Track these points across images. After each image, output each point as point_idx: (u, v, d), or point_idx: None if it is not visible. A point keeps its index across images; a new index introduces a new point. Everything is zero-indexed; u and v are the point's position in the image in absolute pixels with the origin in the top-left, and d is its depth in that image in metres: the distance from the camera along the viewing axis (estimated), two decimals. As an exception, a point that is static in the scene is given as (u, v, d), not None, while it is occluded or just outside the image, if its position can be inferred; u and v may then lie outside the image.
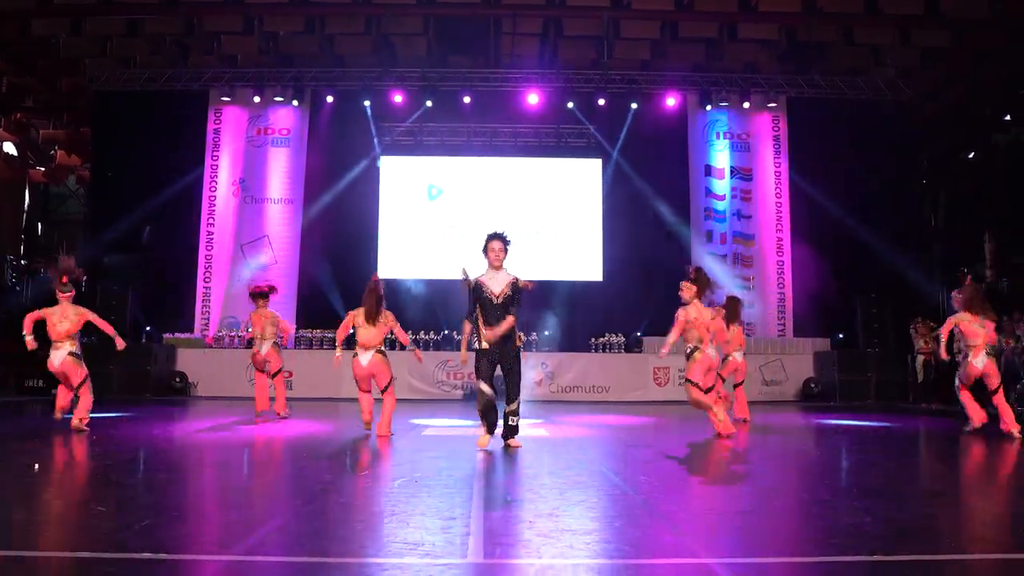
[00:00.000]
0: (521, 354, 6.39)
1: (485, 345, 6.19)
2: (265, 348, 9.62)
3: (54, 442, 7.06)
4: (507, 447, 6.26)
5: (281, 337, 10.07)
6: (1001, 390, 7.67)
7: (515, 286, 6.19)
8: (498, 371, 6.29)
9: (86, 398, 7.43)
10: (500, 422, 6.37)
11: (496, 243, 6.21)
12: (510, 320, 6.18)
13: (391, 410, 7.31)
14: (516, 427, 6.36)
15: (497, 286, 6.19)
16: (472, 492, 4.15)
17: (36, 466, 5.11)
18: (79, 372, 7.45)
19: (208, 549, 2.93)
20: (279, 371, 9.71)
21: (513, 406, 6.28)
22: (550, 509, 3.82)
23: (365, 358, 7.30)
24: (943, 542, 3.16)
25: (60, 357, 7.44)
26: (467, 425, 8.37)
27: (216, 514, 3.79)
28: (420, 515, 3.56)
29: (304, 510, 3.75)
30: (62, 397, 7.74)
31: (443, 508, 3.75)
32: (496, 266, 6.23)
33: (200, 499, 4.25)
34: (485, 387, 6.19)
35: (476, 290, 6.21)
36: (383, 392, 7.40)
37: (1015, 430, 7.50)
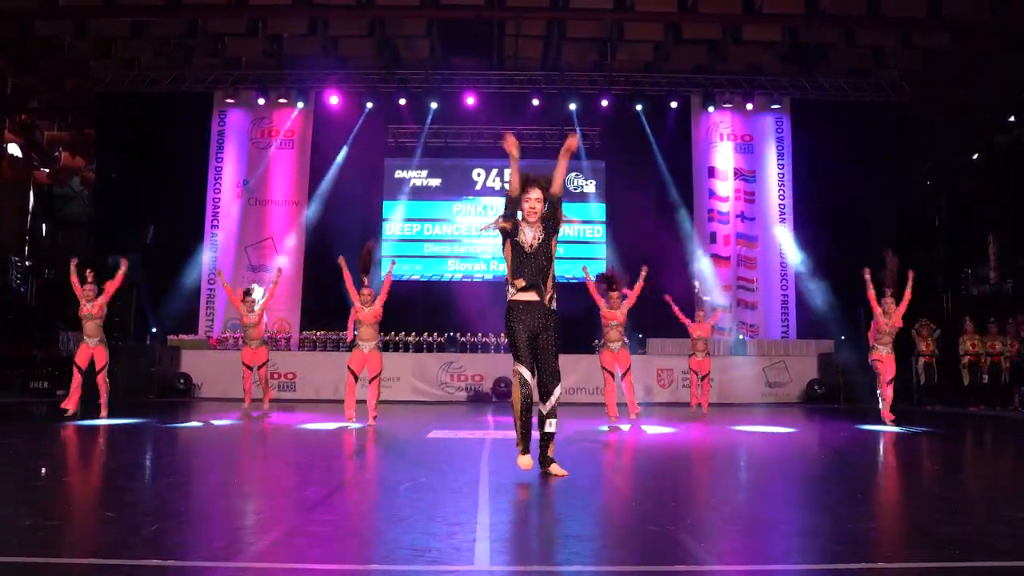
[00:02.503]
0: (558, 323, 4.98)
1: (518, 294, 4.89)
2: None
3: (61, 445, 7.09)
4: (546, 474, 4.81)
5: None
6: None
7: (548, 224, 4.97)
8: None
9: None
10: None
11: (535, 191, 4.96)
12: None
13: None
14: (550, 439, 4.88)
15: (530, 234, 4.96)
16: (478, 496, 4.16)
17: (43, 470, 5.13)
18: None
19: (216, 555, 2.95)
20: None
21: (550, 404, 4.83)
22: (555, 515, 3.83)
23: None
24: (947, 549, 3.16)
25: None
26: (472, 428, 8.38)
27: (223, 519, 3.80)
28: (426, 520, 3.57)
29: (310, 515, 3.76)
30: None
31: (449, 513, 3.76)
32: (531, 221, 4.98)
33: (207, 504, 4.27)
34: (525, 372, 4.80)
35: (513, 230, 4.96)
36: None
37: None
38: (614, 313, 9.37)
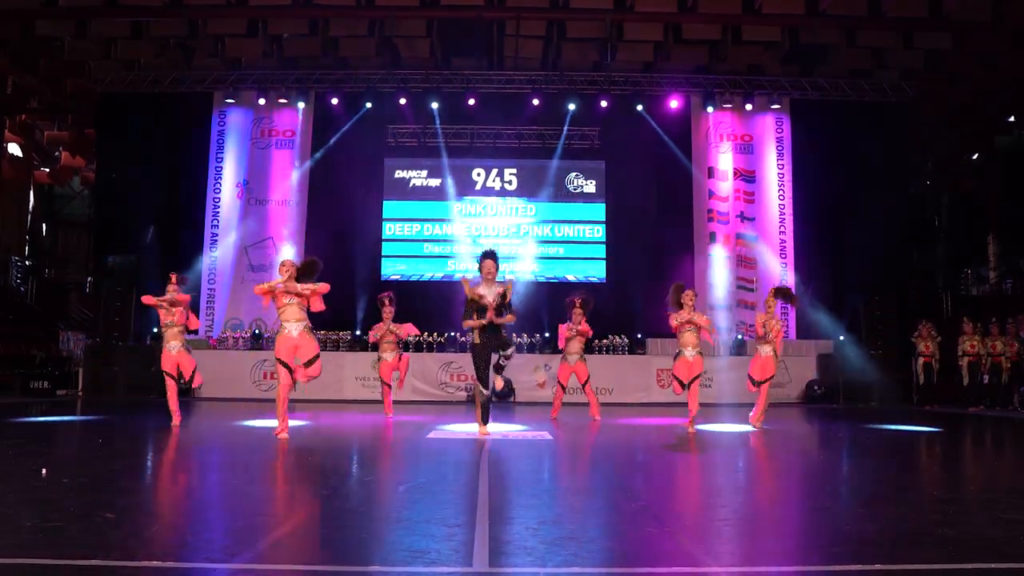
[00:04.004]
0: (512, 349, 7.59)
1: (477, 340, 7.37)
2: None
3: (60, 446, 7.10)
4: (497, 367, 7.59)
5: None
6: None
7: (504, 295, 7.31)
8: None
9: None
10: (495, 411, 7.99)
11: (489, 262, 7.31)
12: (509, 318, 7.45)
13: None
14: (504, 366, 7.59)
15: (491, 296, 7.32)
16: (477, 498, 4.17)
17: (44, 471, 5.14)
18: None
19: (215, 557, 2.96)
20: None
21: (508, 351, 7.46)
22: (554, 516, 3.84)
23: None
24: (947, 550, 3.17)
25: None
26: (471, 429, 8.38)
27: (223, 521, 3.81)
28: (425, 522, 3.58)
29: (309, 517, 3.78)
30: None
31: (448, 515, 3.77)
32: (490, 280, 7.31)
33: (207, 505, 4.28)
34: (483, 388, 7.43)
35: (475, 301, 7.33)
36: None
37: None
38: (574, 330, 10.07)
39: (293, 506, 4.18)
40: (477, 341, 7.34)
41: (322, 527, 3.53)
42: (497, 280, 7.43)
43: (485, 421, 7.55)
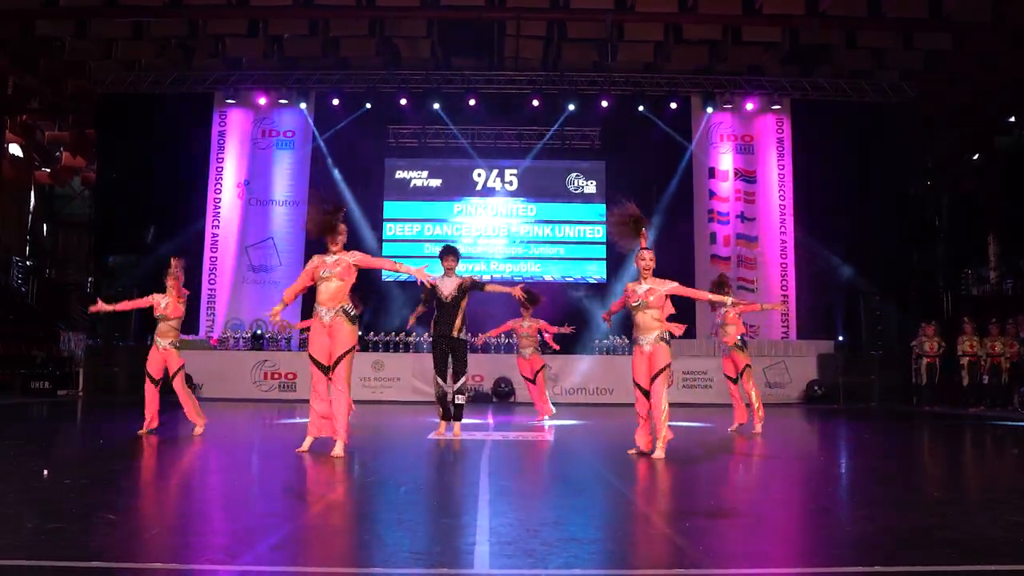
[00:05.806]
0: (467, 345, 7.65)
1: (437, 333, 7.46)
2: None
3: (61, 446, 7.10)
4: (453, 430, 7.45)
5: None
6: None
7: (462, 287, 7.41)
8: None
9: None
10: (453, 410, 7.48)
11: (450, 257, 7.46)
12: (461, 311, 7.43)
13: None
14: (461, 408, 7.46)
15: (447, 289, 7.42)
16: (477, 499, 4.17)
17: (45, 471, 5.14)
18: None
19: (217, 558, 2.96)
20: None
21: (458, 385, 7.41)
22: (555, 517, 3.84)
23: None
24: (947, 552, 3.17)
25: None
26: (471, 429, 8.38)
27: (223, 522, 3.81)
28: (426, 523, 3.58)
29: (311, 518, 3.78)
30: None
31: (449, 516, 3.78)
32: (449, 273, 7.45)
33: (207, 507, 4.28)
34: (440, 379, 7.43)
35: (431, 292, 7.42)
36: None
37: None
38: (524, 326, 10.15)
39: (294, 507, 4.18)
40: (434, 333, 7.47)
41: (325, 529, 3.53)
42: (456, 274, 7.51)
43: (444, 418, 7.49)
